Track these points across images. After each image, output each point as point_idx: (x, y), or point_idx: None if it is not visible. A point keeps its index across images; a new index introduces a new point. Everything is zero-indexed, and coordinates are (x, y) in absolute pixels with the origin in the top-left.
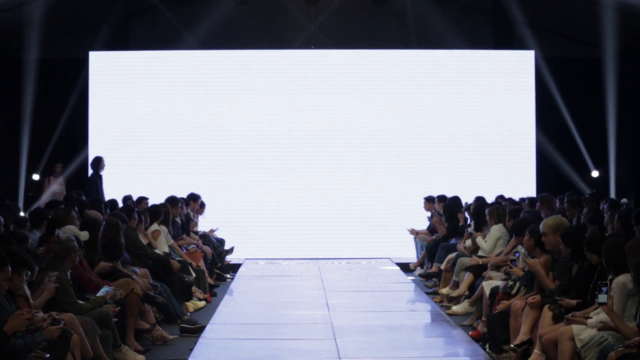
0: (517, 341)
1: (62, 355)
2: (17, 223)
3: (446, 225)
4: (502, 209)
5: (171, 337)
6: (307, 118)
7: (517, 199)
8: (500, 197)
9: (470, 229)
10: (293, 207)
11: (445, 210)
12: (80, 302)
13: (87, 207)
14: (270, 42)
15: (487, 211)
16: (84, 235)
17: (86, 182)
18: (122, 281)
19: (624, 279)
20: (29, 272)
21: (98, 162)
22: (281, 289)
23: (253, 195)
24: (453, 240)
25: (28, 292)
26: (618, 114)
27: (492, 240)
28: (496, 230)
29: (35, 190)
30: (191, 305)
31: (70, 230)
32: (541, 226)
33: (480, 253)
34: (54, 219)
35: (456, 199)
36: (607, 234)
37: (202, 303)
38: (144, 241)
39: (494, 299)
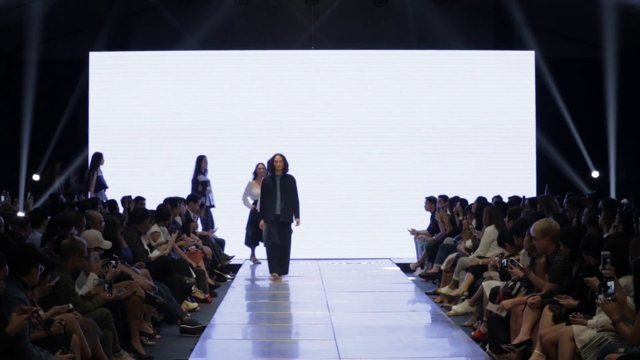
0: (517, 341)
1: None
2: (17, 223)
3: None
4: (495, 210)
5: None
6: (307, 118)
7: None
8: (498, 197)
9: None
10: None
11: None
12: (85, 302)
13: (87, 207)
14: (270, 42)
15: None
16: (107, 244)
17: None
18: (124, 283)
19: (625, 281)
20: (42, 267)
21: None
22: (281, 290)
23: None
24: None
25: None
26: (618, 114)
27: (485, 241)
28: (490, 233)
29: (35, 191)
30: (184, 305)
31: (94, 236)
32: (531, 230)
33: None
34: (64, 218)
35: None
36: (605, 235)
37: (195, 304)
38: (145, 242)
39: (494, 299)
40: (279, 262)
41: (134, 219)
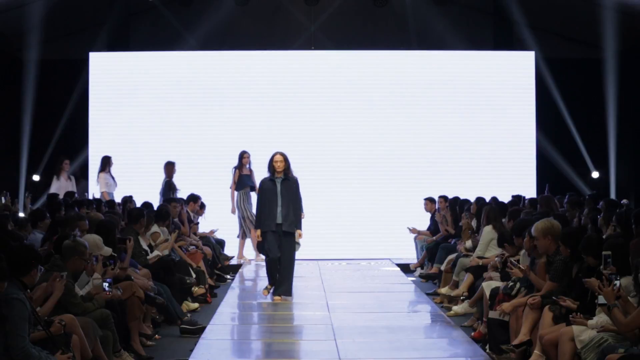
0: (517, 341)
1: None
2: (17, 223)
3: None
4: (494, 211)
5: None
6: (307, 119)
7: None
8: (493, 199)
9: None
10: None
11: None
12: (86, 303)
13: (84, 207)
14: (270, 43)
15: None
16: (107, 251)
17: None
18: (123, 284)
19: (625, 282)
20: (41, 268)
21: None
22: None
23: (253, 195)
24: (452, 241)
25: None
26: (618, 114)
27: (484, 241)
28: (488, 233)
29: (35, 191)
30: (184, 306)
31: (94, 241)
32: (532, 230)
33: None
34: (65, 219)
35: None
36: (605, 235)
37: (195, 305)
38: (145, 243)
39: (494, 299)
40: (278, 279)
41: (130, 219)
